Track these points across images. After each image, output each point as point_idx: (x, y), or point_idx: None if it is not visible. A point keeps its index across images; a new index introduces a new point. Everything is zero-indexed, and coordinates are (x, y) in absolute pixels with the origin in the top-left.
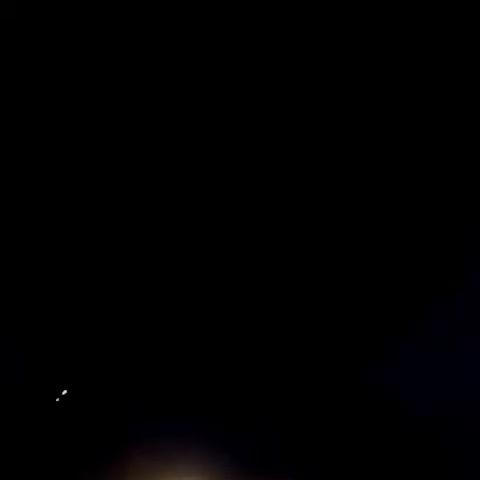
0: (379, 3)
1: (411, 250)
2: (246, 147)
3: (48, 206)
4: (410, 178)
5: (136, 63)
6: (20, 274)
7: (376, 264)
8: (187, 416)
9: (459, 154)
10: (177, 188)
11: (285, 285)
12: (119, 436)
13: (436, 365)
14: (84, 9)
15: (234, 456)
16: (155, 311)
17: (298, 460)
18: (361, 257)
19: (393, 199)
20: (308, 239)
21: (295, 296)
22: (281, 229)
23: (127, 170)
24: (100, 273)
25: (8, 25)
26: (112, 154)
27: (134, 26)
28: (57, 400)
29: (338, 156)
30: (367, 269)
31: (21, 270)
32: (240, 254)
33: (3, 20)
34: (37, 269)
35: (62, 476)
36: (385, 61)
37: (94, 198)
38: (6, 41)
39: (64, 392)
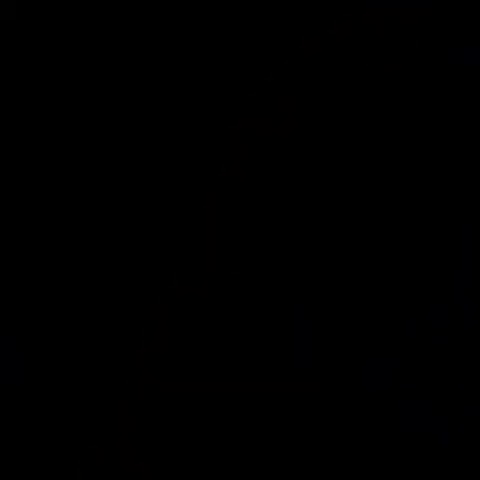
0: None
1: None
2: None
3: (46, 207)
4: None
5: (136, 64)
6: (18, 274)
7: (376, 263)
8: None
9: (459, 155)
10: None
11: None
12: (112, 434)
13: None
14: (84, 9)
15: None
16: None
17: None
18: (361, 255)
19: (392, 198)
20: (307, 238)
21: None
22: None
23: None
24: (99, 272)
25: (8, 25)
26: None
27: (134, 26)
28: (56, 399)
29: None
30: (366, 268)
31: (19, 269)
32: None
33: (3, 20)
34: (35, 268)
35: (60, 475)
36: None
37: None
38: (6, 41)
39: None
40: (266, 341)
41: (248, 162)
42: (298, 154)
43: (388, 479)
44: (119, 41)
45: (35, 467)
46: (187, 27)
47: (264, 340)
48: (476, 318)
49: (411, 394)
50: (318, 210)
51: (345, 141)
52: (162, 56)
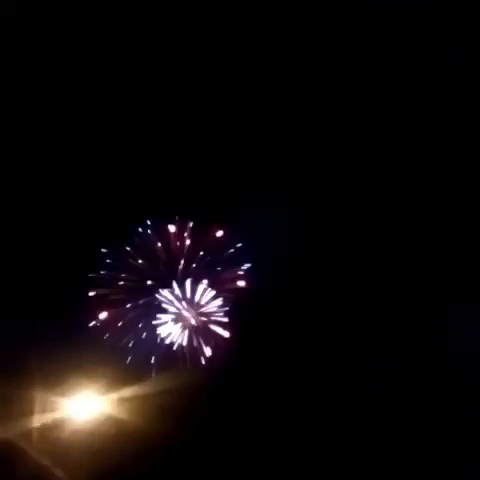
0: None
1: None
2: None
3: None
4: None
5: (136, 64)
6: None
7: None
8: None
9: (459, 155)
10: None
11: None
12: None
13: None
14: (83, 9)
15: None
16: None
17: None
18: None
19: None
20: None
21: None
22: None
23: None
24: None
25: (8, 25)
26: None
27: (134, 26)
28: None
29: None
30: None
31: None
32: None
33: (3, 20)
34: None
35: None
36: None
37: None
38: (6, 41)
39: None
40: (269, 343)
41: (248, 162)
42: (298, 154)
43: (388, 478)
44: (119, 41)
45: None
46: (187, 28)
47: (268, 342)
48: (476, 318)
49: (411, 394)
50: (318, 208)
51: (345, 140)
52: (162, 57)
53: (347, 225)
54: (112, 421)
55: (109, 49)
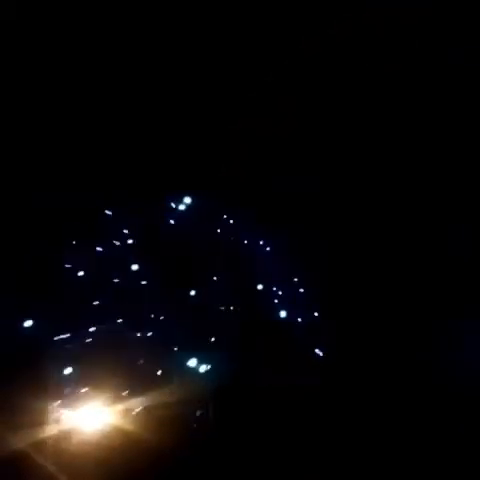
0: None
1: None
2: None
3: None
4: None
5: (136, 64)
6: None
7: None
8: None
9: (459, 155)
10: None
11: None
12: None
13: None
14: (83, 9)
15: None
16: None
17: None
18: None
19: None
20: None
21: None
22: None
23: None
24: None
25: (8, 25)
26: None
27: (134, 26)
28: None
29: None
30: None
31: None
32: None
33: (3, 20)
34: None
35: None
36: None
37: None
38: (6, 41)
39: None
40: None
41: (248, 162)
42: (297, 154)
43: (387, 477)
44: (119, 41)
45: None
46: (187, 28)
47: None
48: (476, 319)
49: (411, 394)
50: (319, 208)
51: (345, 140)
52: (162, 57)
53: (350, 225)
54: (118, 432)
55: (109, 48)
